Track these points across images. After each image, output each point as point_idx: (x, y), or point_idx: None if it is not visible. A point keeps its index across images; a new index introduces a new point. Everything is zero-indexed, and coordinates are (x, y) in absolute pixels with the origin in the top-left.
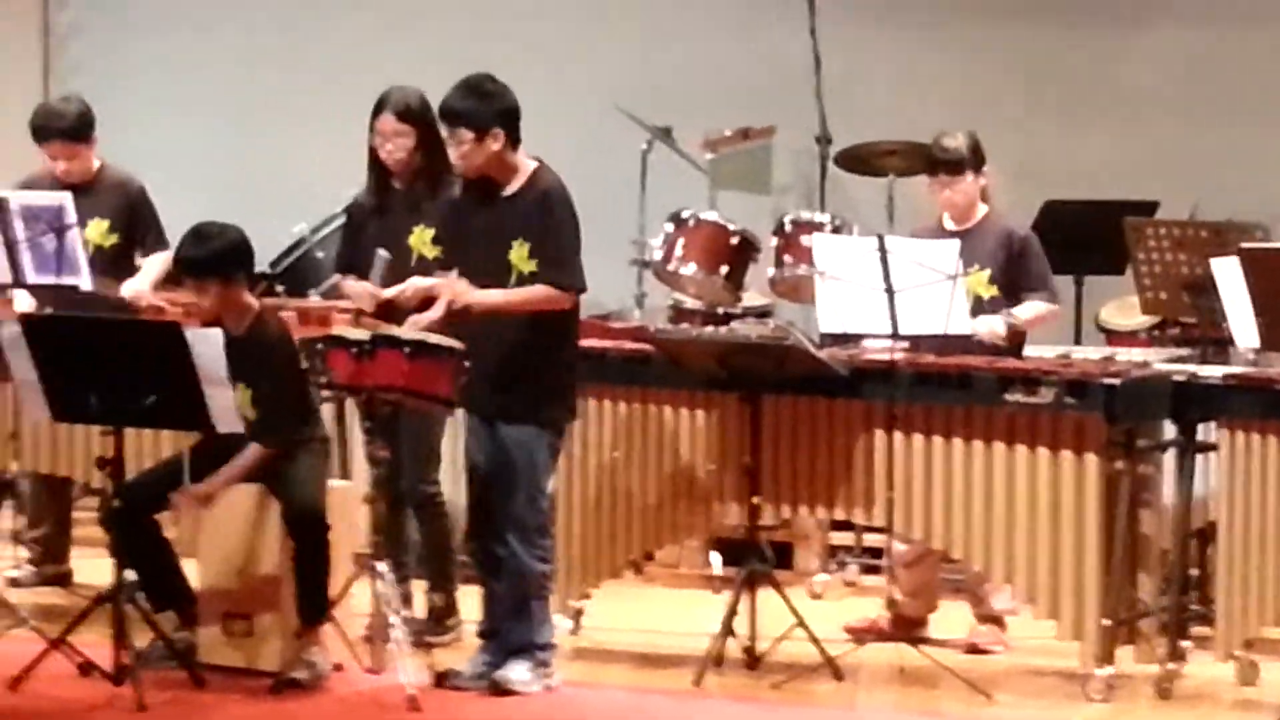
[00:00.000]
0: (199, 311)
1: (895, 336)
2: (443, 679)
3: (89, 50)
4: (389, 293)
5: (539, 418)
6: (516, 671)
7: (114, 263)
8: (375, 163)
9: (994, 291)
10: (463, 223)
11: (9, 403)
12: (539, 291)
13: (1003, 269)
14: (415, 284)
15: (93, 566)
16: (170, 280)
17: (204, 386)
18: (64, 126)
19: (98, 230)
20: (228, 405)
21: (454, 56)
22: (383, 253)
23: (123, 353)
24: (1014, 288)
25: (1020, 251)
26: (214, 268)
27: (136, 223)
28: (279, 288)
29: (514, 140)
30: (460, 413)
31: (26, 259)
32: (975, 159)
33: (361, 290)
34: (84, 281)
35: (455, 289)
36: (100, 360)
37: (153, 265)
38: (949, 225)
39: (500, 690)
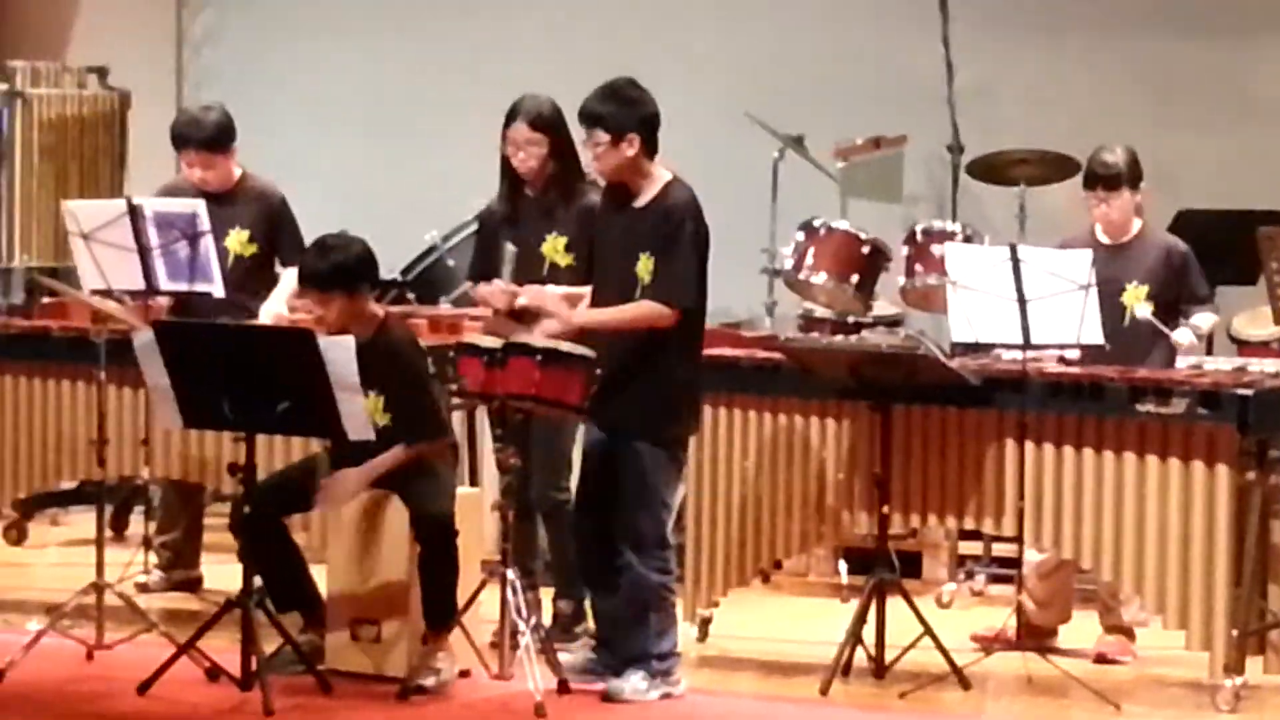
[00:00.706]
0: (323, 324)
1: (1026, 346)
2: (565, 685)
3: (223, 59)
4: (519, 302)
5: (658, 435)
6: (631, 681)
7: (253, 272)
8: (507, 171)
9: (1149, 306)
10: (597, 231)
11: (140, 409)
12: (643, 308)
13: (1164, 284)
14: (533, 291)
15: (221, 572)
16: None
17: (336, 393)
18: (202, 136)
19: (238, 240)
20: (359, 412)
21: (587, 64)
22: (511, 246)
23: (255, 359)
24: (1176, 302)
25: (1182, 266)
26: (337, 280)
27: (276, 233)
28: (410, 295)
29: (650, 148)
30: None
31: (159, 266)
32: (1133, 174)
33: (494, 289)
34: (216, 289)
35: (561, 313)
36: (233, 367)
37: (290, 278)
38: (1102, 239)
39: (612, 699)
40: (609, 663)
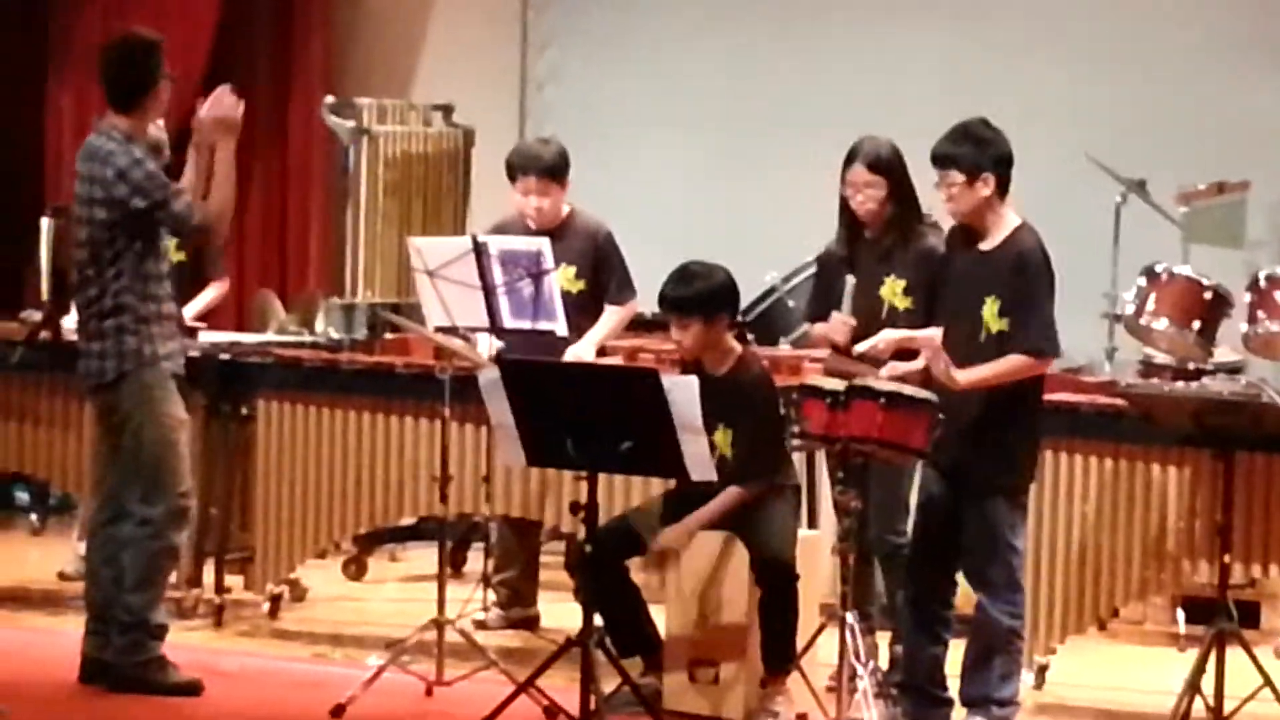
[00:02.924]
0: (680, 350)
1: None
2: None
3: (565, 97)
4: (862, 347)
5: (1006, 485)
6: None
7: (580, 309)
8: (846, 213)
9: None
10: (941, 272)
11: (482, 446)
12: (1015, 362)
13: None
14: (888, 336)
15: (558, 610)
16: (641, 327)
17: (679, 434)
18: (541, 166)
19: (564, 276)
20: (703, 453)
21: (927, 107)
22: (850, 278)
23: (599, 399)
24: None
25: None
26: (697, 307)
27: (603, 270)
28: (749, 336)
29: (1004, 188)
30: None
31: (504, 303)
32: None
33: (833, 322)
34: (560, 327)
35: (942, 372)
36: (577, 406)
37: (609, 318)
38: None
39: None
40: (910, 710)
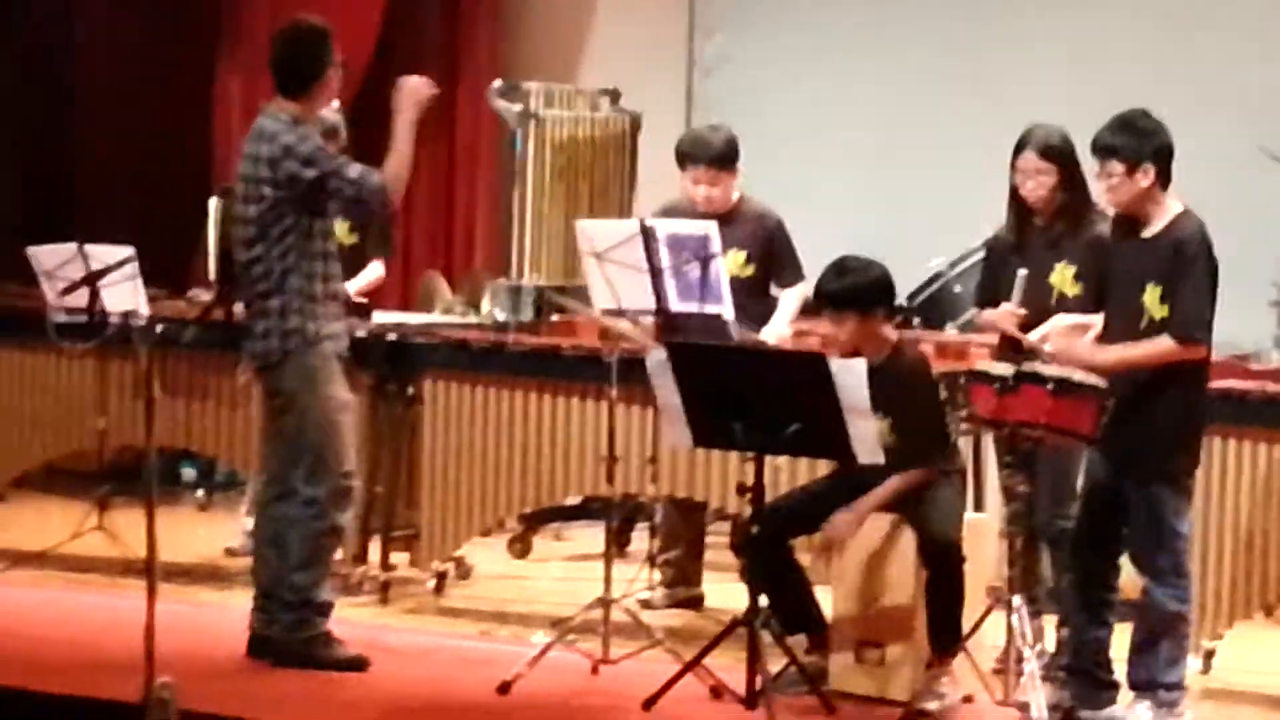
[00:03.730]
0: (836, 344)
1: None
2: (1070, 713)
3: (732, 83)
4: (1033, 336)
5: (1170, 472)
6: (1136, 711)
7: (750, 294)
8: (1016, 200)
9: None
10: (1107, 260)
11: (648, 427)
12: (1161, 345)
13: None
14: (1058, 323)
15: (722, 590)
16: (807, 312)
17: (846, 416)
18: (710, 154)
19: (735, 261)
20: (870, 435)
21: (1096, 95)
22: (1022, 270)
23: (766, 381)
24: None
25: None
26: (853, 300)
27: (773, 256)
28: (915, 320)
29: (1164, 179)
30: None
31: (671, 286)
32: None
33: (1002, 311)
34: (726, 310)
35: (1082, 355)
36: (744, 388)
37: (790, 301)
38: None
39: None
40: (1077, 693)
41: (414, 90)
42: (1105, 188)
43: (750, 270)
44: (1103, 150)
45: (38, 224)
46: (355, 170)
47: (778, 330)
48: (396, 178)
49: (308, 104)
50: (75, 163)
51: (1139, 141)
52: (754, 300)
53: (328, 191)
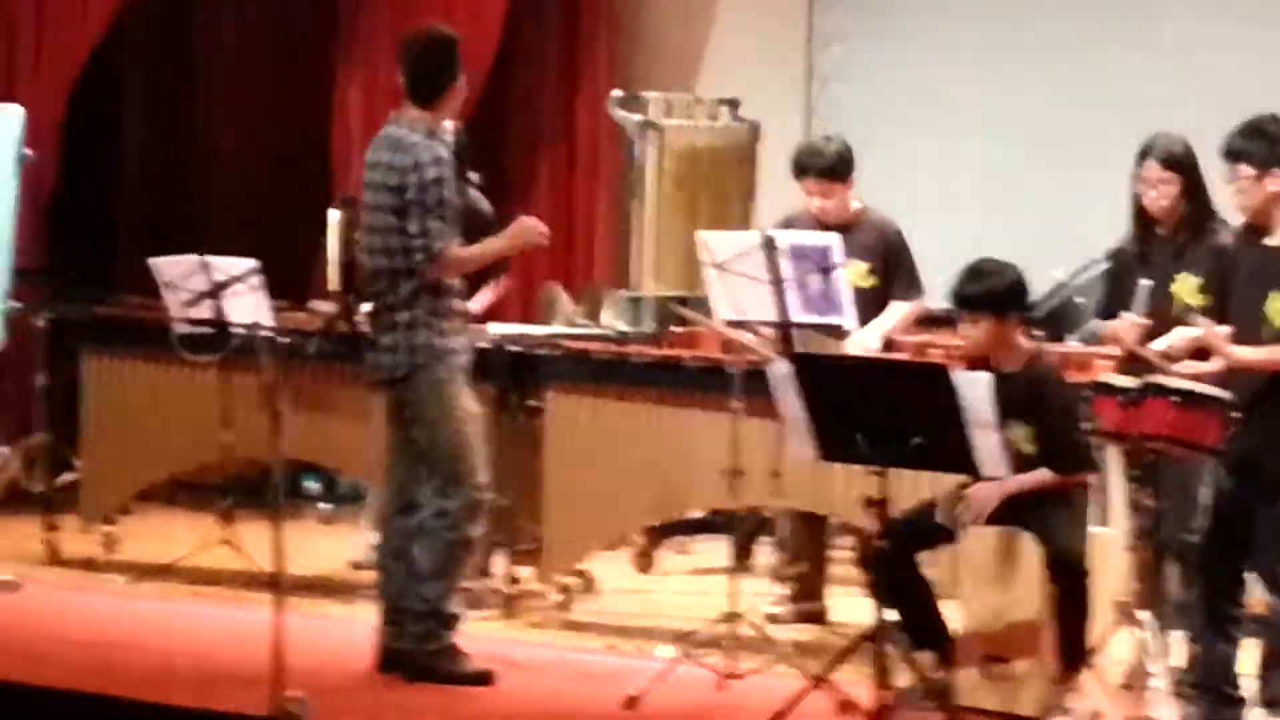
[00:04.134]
0: (969, 346)
1: None
2: None
3: (852, 93)
4: (1156, 346)
5: None
6: None
7: (870, 305)
8: (1139, 210)
9: None
10: (1232, 269)
11: (772, 440)
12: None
13: None
14: (1181, 335)
15: (847, 605)
16: (929, 324)
17: (971, 429)
18: (822, 165)
19: (855, 272)
20: (994, 449)
21: (1221, 102)
22: (1145, 282)
23: (890, 394)
24: None
25: None
26: (988, 304)
27: (892, 266)
28: (1036, 332)
29: None
30: None
31: (793, 298)
32: None
33: (1124, 322)
34: (848, 321)
35: (1220, 346)
36: (869, 401)
37: (895, 312)
38: None
39: None
40: (1204, 709)
41: (527, 231)
42: (1235, 191)
43: (873, 281)
44: (1233, 155)
45: (161, 235)
46: (437, 226)
47: (864, 340)
48: (459, 264)
49: (437, 112)
50: (197, 174)
51: (1270, 147)
52: (876, 311)
53: (413, 223)
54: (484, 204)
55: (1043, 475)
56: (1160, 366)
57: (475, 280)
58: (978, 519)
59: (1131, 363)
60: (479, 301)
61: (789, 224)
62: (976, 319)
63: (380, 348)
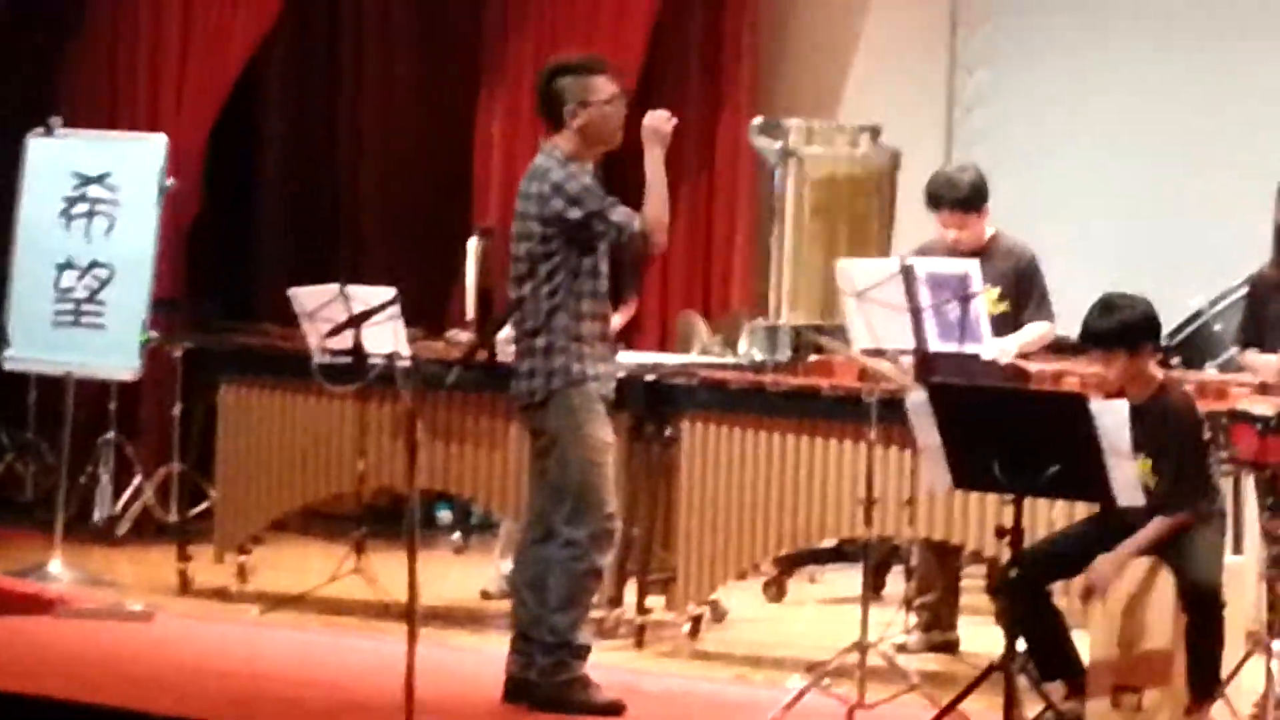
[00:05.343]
0: (1103, 382)
1: None
2: None
3: (994, 120)
4: None
5: None
6: None
7: (1001, 331)
8: None
9: None
10: None
11: (906, 469)
12: None
13: None
14: None
15: (977, 634)
16: (1064, 351)
17: (1107, 458)
18: (956, 196)
19: (988, 298)
20: (1130, 478)
21: None
22: None
23: (1027, 422)
24: None
25: None
26: (1121, 338)
27: (1023, 291)
28: (1174, 360)
29: None
30: None
31: (931, 326)
32: None
33: (1267, 361)
34: (986, 350)
35: None
36: (1004, 429)
37: (1028, 331)
38: None
39: None
40: None
41: (655, 125)
42: None
43: (1004, 307)
44: None
45: (300, 265)
46: (619, 214)
47: (1000, 345)
48: (657, 220)
49: (575, 139)
50: (338, 203)
51: None
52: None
53: (592, 232)
54: None
55: (1159, 527)
56: None
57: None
58: (1101, 595)
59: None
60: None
61: (924, 253)
62: (1111, 356)
63: (519, 373)
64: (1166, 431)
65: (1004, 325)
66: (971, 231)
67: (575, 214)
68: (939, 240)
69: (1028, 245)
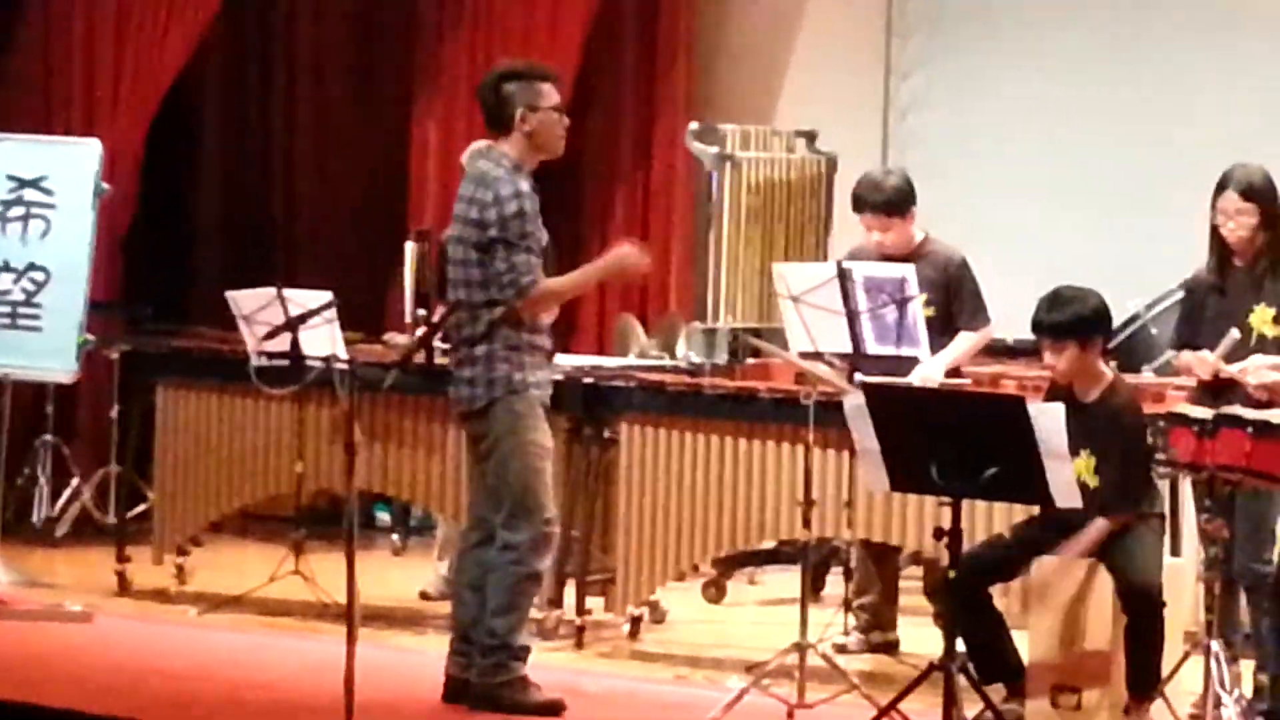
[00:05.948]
0: (1054, 374)
1: None
2: None
3: (929, 124)
4: (1231, 369)
5: None
6: None
7: (932, 336)
8: (1217, 240)
9: None
10: None
11: (844, 471)
12: None
13: None
14: (1257, 362)
15: (917, 635)
16: (993, 354)
17: (1045, 460)
18: (880, 200)
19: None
20: (1068, 480)
21: None
22: (1234, 333)
23: (964, 425)
24: None
25: None
26: (1071, 330)
27: (955, 296)
28: (1111, 363)
29: None
30: None
31: (867, 329)
32: None
33: (1199, 358)
34: (923, 353)
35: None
36: (941, 432)
37: (959, 344)
38: None
39: None
40: None
41: (625, 258)
42: None
43: (929, 312)
44: None
45: (237, 268)
46: (522, 261)
47: (926, 371)
48: (551, 295)
49: (520, 144)
50: (274, 207)
51: None
52: (935, 341)
53: (492, 256)
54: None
55: (1100, 527)
56: (1241, 381)
57: None
58: (1040, 595)
59: (1205, 394)
60: None
61: (854, 256)
62: (1060, 347)
63: (459, 380)
64: (1113, 432)
65: (931, 330)
66: (898, 235)
67: (493, 233)
68: (867, 245)
69: (958, 249)
